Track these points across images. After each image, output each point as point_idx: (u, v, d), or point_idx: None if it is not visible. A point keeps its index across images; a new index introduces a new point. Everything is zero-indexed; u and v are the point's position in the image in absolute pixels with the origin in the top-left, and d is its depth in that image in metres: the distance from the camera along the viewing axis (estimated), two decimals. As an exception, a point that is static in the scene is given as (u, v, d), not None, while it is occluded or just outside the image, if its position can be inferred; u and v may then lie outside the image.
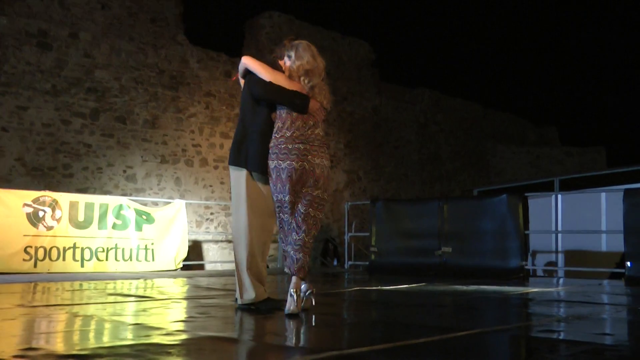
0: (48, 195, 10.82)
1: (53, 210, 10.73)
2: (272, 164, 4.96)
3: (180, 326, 4.42)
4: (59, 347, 3.46)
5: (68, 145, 13.45)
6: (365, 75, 19.60)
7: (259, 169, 5.07)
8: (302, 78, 5.02)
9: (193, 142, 15.52)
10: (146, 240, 11.66)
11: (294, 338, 4.02)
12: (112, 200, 11.55)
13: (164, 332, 3.97)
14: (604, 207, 13.96)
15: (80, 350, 3.30)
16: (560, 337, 4.19)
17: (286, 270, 5.05)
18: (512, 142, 24.89)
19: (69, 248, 10.77)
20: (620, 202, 10.19)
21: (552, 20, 39.78)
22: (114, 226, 11.33)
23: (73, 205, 10.97)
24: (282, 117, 5.01)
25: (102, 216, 11.23)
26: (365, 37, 19.88)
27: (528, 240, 11.50)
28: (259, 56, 16.76)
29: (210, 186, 15.83)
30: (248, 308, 5.13)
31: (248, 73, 5.23)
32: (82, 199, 11.24)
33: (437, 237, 11.58)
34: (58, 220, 10.76)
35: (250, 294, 5.17)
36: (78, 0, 13.75)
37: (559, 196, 14.38)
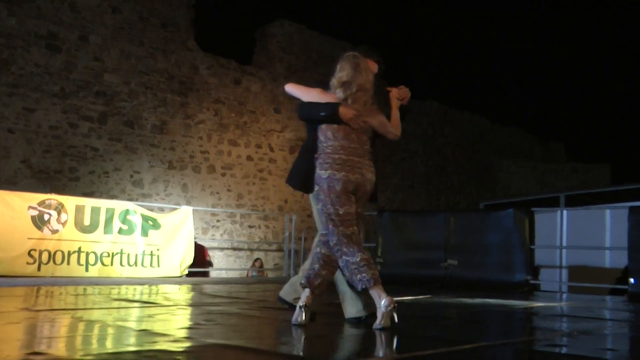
0: (54, 198, 10.79)
1: (59, 213, 10.70)
2: (324, 173, 4.79)
3: (186, 333, 4.40)
4: (63, 352, 3.45)
5: (75, 148, 13.48)
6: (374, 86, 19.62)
7: (303, 188, 5.09)
8: (337, 90, 4.94)
9: (201, 148, 15.54)
10: (152, 246, 11.63)
11: (300, 347, 4.01)
12: (118, 205, 11.53)
13: (170, 338, 3.96)
14: (609, 223, 13.96)
15: (84, 355, 3.29)
16: (564, 352, 4.18)
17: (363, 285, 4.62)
18: (519, 157, 24.88)
19: (74, 252, 10.73)
20: (624, 219, 10.18)
21: (561, 37, 39.82)
22: (120, 231, 11.30)
23: (79, 209, 10.94)
24: (322, 129, 4.92)
25: (108, 221, 11.20)
26: (374, 48, 19.86)
27: (534, 255, 11.48)
28: (269, 64, 16.60)
29: (217, 193, 15.84)
30: (358, 321, 4.99)
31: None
32: (88, 202, 11.21)
33: (443, 249, 11.56)
34: (64, 224, 10.73)
35: (351, 310, 5.10)
36: (88, 3, 13.80)
37: (564, 212, 14.35)
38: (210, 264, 14.83)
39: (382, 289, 4.57)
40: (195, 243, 14.45)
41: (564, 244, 13.82)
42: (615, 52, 40.65)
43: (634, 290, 9.69)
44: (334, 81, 4.99)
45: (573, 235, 14.03)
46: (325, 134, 4.90)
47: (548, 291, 12.71)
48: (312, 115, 5.01)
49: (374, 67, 5.30)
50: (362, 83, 4.96)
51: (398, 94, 5.29)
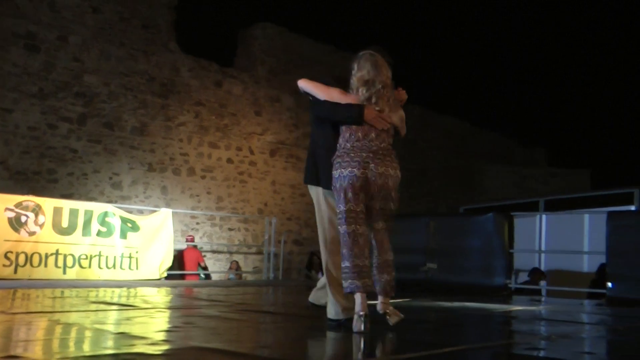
0: (31, 200, 10.68)
1: (36, 215, 10.60)
2: (335, 173, 4.83)
3: (165, 336, 4.37)
4: (39, 355, 3.40)
5: (54, 150, 13.37)
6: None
7: (329, 185, 5.00)
8: (360, 89, 4.93)
9: (181, 150, 15.47)
10: (131, 249, 11.55)
11: (278, 350, 3.99)
12: (97, 207, 11.44)
13: (148, 341, 3.92)
14: (587, 228, 14.06)
15: (61, 358, 3.25)
16: (543, 355, 4.19)
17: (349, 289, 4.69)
18: (499, 161, 24.99)
19: (52, 254, 10.63)
20: (602, 224, 10.25)
21: (542, 43, 40.10)
22: (99, 233, 11.22)
23: (57, 211, 10.84)
24: (343, 130, 4.94)
25: (87, 223, 11.10)
26: (357, 52, 19.83)
27: (513, 259, 11.53)
28: (251, 67, 16.47)
29: (197, 196, 15.77)
30: (338, 324, 4.93)
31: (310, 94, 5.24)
32: (66, 204, 11.11)
33: (423, 253, 11.57)
34: (41, 226, 10.62)
35: (330, 311, 5.04)
36: (68, 2, 13.69)
37: (544, 216, 14.44)
38: (205, 269, 14.82)
39: (364, 297, 4.59)
40: (195, 247, 14.51)
41: (543, 248, 13.92)
42: (595, 58, 40.98)
43: (612, 295, 9.77)
44: (354, 80, 4.98)
45: (552, 240, 14.13)
46: (344, 135, 4.91)
47: (527, 295, 12.79)
48: (335, 117, 4.99)
49: None
50: (384, 80, 4.94)
51: (397, 96, 5.25)
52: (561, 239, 14.01)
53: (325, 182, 5.05)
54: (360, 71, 4.96)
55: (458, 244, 11.40)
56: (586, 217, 14.13)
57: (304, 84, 5.22)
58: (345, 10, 33.80)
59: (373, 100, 4.88)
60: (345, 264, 4.68)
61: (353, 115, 4.85)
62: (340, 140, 4.94)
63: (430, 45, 37.10)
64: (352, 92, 4.99)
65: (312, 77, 5.27)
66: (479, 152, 24.38)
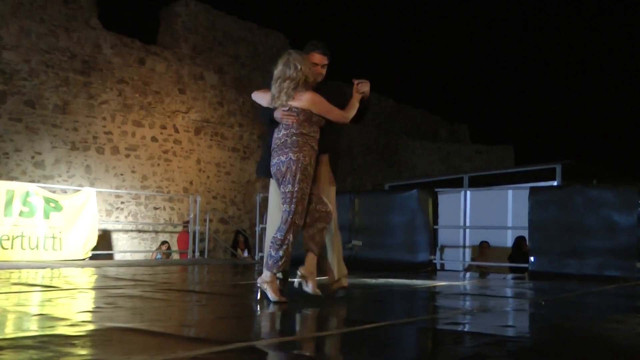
0: (-51, 180, 10.38)
1: (-46, 195, 10.30)
2: None
3: (87, 317, 4.33)
4: (-43, 338, 3.34)
5: (-28, 128, 13.00)
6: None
7: (261, 172, 5.72)
8: (273, 86, 5.41)
9: (105, 129, 15.20)
10: (54, 229, 11.35)
11: (203, 329, 3.99)
12: (18, 187, 11.19)
13: (69, 322, 3.88)
14: (510, 204, 14.33)
15: (-20, 341, 3.20)
16: (465, 330, 4.27)
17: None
18: (424, 138, 25.27)
19: (-29, 236, 10.37)
20: (525, 199, 10.48)
21: (464, 20, 40.59)
22: (21, 214, 10.97)
23: (-24, 191, 10.56)
24: None
25: (8, 203, 10.84)
26: (281, 29, 19.85)
27: (437, 235, 11.70)
28: (174, 44, 16.16)
29: (122, 175, 15.55)
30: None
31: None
32: (-15, 184, 10.84)
33: (348, 230, 11.64)
34: (-41, 207, 10.34)
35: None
36: (-16, -24, 13.27)
37: (468, 192, 14.67)
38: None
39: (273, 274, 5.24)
40: (186, 231, 14.55)
41: (467, 224, 14.17)
42: (515, 35, 41.73)
43: (533, 269, 10.02)
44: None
45: (476, 216, 14.38)
46: None
47: (451, 270, 13.02)
48: (262, 121, 5.70)
49: (318, 59, 5.71)
50: (290, 74, 5.34)
51: (359, 87, 5.83)
52: (485, 214, 14.25)
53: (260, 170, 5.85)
54: (274, 70, 5.44)
55: (383, 220, 11.52)
56: (509, 192, 14.38)
57: (254, 97, 5.78)
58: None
59: (276, 95, 5.37)
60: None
61: (266, 121, 5.53)
62: None
63: (353, 21, 37.19)
64: None
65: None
66: (403, 129, 24.61)
